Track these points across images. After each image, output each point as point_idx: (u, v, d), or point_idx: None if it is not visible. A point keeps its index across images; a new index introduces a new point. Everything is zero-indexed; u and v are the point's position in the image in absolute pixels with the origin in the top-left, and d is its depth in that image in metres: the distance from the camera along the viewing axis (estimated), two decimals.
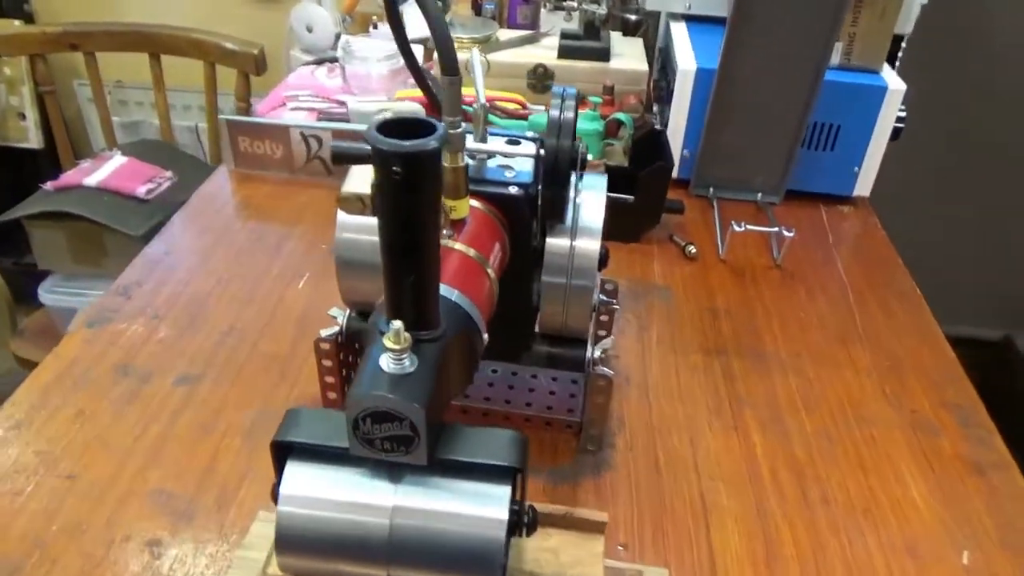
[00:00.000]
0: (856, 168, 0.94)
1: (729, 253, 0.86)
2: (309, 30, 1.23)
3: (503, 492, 0.37)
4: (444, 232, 0.45)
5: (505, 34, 1.13)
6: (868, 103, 0.89)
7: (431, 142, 0.32)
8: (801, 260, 0.87)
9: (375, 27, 1.31)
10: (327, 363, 0.60)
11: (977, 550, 0.57)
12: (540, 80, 1.09)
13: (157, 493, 0.57)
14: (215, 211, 0.92)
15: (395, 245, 0.35)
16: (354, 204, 0.43)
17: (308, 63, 1.22)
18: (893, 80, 0.89)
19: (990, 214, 1.55)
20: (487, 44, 1.10)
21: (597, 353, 0.58)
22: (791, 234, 0.81)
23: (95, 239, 1.33)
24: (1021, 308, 1.58)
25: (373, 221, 0.53)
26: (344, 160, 0.42)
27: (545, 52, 1.09)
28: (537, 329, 0.57)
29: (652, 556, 0.55)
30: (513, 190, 0.49)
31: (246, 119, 0.95)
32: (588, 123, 0.98)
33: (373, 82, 1.11)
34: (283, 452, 0.38)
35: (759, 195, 0.95)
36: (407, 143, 0.32)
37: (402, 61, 1.13)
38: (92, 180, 1.33)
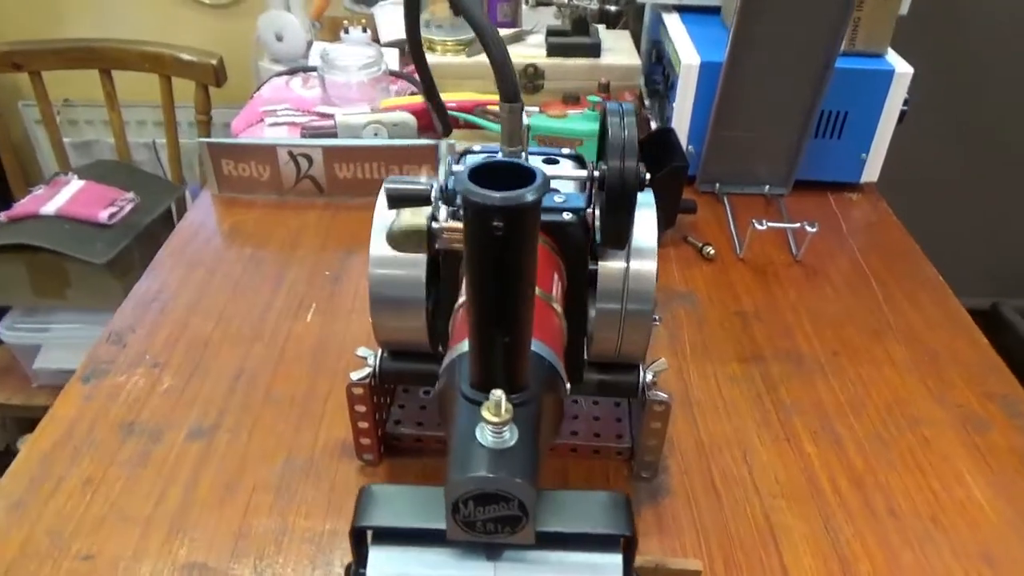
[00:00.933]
0: (864, 154, 0.92)
1: (747, 251, 0.84)
2: (279, 39, 1.17)
3: (614, 561, 0.34)
4: None
5: None
6: (876, 88, 0.87)
7: (531, 193, 0.28)
8: (820, 253, 0.85)
9: (346, 32, 1.26)
10: (360, 408, 0.56)
11: None
12: (531, 80, 1.05)
13: (189, 568, 0.52)
14: (204, 241, 0.86)
15: (489, 304, 0.31)
16: (411, 243, 0.39)
17: (280, 74, 1.16)
18: (899, 63, 0.87)
19: (974, 186, 1.57)
20: (471, 46, 1.05)
21: (649, 376, 0.55)
22: (814, 229, 0.79)
23: (57, 270, 1.25)
24: (1007, 276, 1.60)
25: (405, 256, 0.50)
26: (403, 203, 0.38)
27: (533, 51, 1.05)
28: (586, 357, 0.54)
29: None
30: (568, 216, 0.45)
31: (229, 141, 0.90)
32: (587, 123, 0.94)
33: (354, 91, 1.06)
34: (362, 536, 0.34)
35: (767, 187, 0.93)
36: (505, 195, 0.28)
37: (383, 68, 1.08)
38: (50, 208, 1.25)
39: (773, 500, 0.58)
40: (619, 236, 0.45)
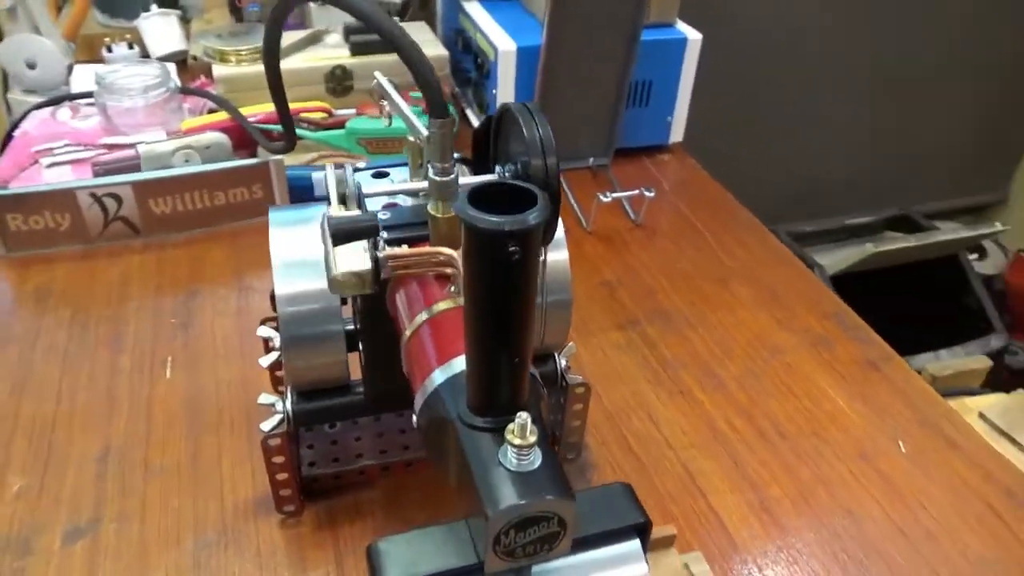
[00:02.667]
0: (669, 118, 1.00)
1: (593, 224, 0.88)
2: (31, 67, 1.01)
3: (634, 548, 0.35)
4: (451, 289, 0.40)
5: (284, 38, 1.02)
6: (673, 56, 0.94)
7: (535, 213, 0.27)
8: (653, 214, 0.91)
9: (109, 50, 1.13)
10: (278, 460, 0.52)
11: (905, 435, 0.65)
12: (339, 83, 1.01)
13: None
14: (6, 314, 0.74)
15: (499, 327, 0.30)
16: (354, 285, 0.37)
17: (41, 105, 1.01)
18: (689, 31, 0.95)
19: (752, 136, 1.74)
20: None
21: (563, 363, 0.56)
22: (651, 195, 0.84)
23: None
24: (781, 209, 1.81)
25: (314, 288, 0.46)
26: (351, 237, 0.35)
27: (336, 52, 1.01)
28: None
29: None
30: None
31: (14, 190, 0.77)
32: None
33: (141, 116, 0.96)
34: None
35: (591, 160, 0.98)
36: (516, 219, 0.27)
37: (171, 87, 0.99)
38: None
39: (685, 451, 0.62)
40: (550, 233, 0.45)
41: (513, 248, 0.27)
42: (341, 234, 0.37)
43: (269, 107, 0.96)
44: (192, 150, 0.86)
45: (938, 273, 1.78)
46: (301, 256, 0.47)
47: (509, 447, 0.31)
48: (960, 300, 1.78)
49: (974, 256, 1.88)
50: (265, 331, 0.58)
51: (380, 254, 0.38)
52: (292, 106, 0.96)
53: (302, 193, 0.88)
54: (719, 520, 0.57)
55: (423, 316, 0.39)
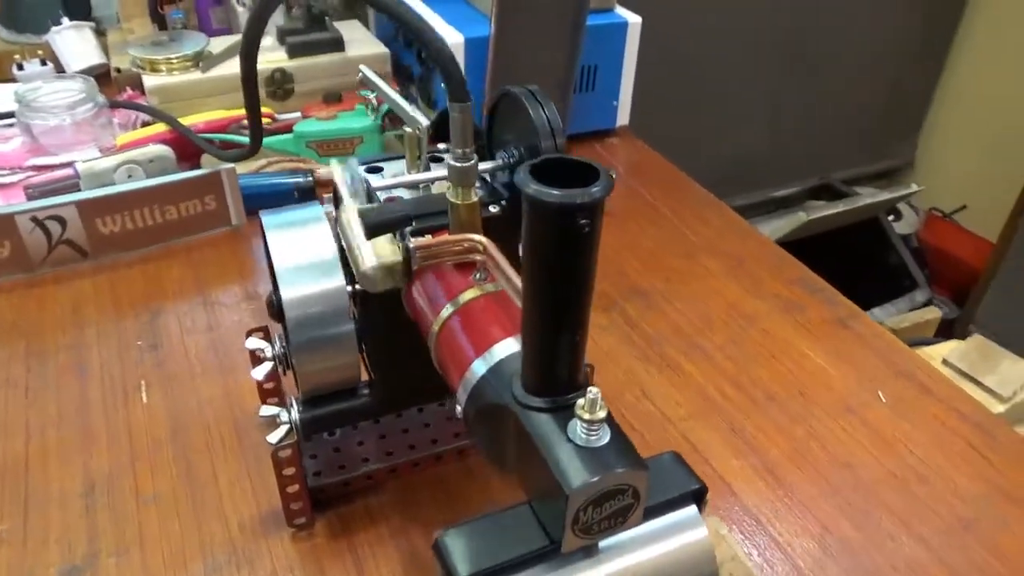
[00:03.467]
0: (615, 102, 1.01)
1: None
2: None
3: (692, 514, 0.35)
4: (476, 276, 0.40)
5: (216, 44, 0.99)
6: (615, 39, 0.96)
7: (601, 186, 0.27)
8: (612, 197, 0.91)
9: (20, 68, 1.06)
10: (289, 472, 0.50)
11: (882, 386, 0.68)
12: (279, 86, 0.98)
13: None
14: None
15: (563, 306, 0.30)
16: (386, 278, 0.36)
17: None
18: (629, 15, 0.97)
19: (694, 113, 1.78)
20: (206, 59, 0.95)
21: None
22: (614, 177, 0.85)
23: None
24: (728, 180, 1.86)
25: (321, 289, 0.45)
26: (386, 229, 0.34)
27: (272, 55, 0.98)
28: None
29: None
30: (495, 209, 0.44)
31: None
32: (363, 120, 0.91)
33: (70, 134, 0.91)
34: None
35: None
36: (587, 191, 0.27)
37: (99, 101, 0.94)
38: None
39: (683, 422, 0.64)
40: None
41: (584, 221, 0.27)
42: (375, 227, 0.36)
43: (208, 116, 0.93)
44: (135, 165, 0.82)
45: (861, 237, 1.88)
46: (304, 258, 0.45)
47: (579, 423, 0.30)
48: (883, 260, 1.87)
49: (891, 217, 1.98)
50: (255, 343, 0.56)
51: (411, 244, 0.37)
52: (233, 113, 0.94)
53: (256, 202, 0.85)
54: (727, 485, 0.58)
55: (449, 308, 0.39)
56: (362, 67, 0.52)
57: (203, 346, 0.69)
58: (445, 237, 0.38)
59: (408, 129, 0.45)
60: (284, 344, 0.55)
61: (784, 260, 0.83)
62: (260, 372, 0.55)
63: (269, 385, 0.61)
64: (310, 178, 0.87)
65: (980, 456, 0.61)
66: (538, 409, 0.32)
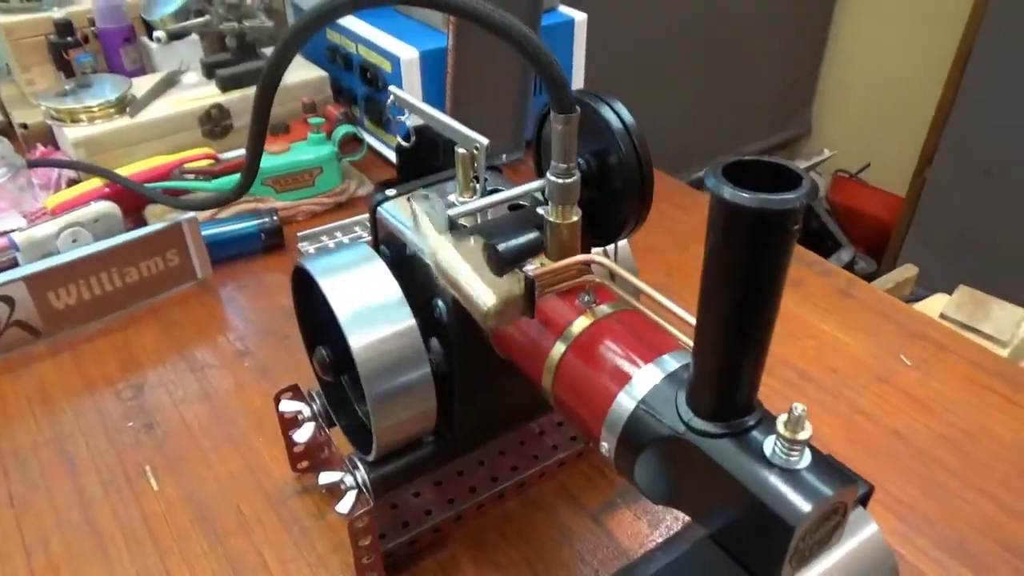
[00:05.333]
0: None
1: None
2: None
3: (862, 514, 0.34)
4: (585, 298, 0.36)
5: (139, 85, 0.90)
6: (563, 37, 0.94)
7: (805, 190, 0.25)
8: None
9: None
10: (365, 542, 0.46)
11: (901, 349, 0.69)
12: (217, 123, 0.91)
13: None
14: None
15: (757, 319, 0.27)
16: (508, 313, 0.33)
17: None
18: (574, 13, 0.95)
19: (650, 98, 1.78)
20: (132, 104, 0.87)
21: None
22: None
23: None
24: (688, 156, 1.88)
25: (395, 330, 0.41)
26: (521, 258, 0.30)
27: (203, 91, 0.91)
28: None
29: None
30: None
31: None
32: (320, 149, 0.86)
33: None
34: None
35: (503, 156, 0.96)
36: (799, 194, 0.24)
37: (19, 163, 0.84)
38: None
39: None
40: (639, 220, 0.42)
41: (797, 227, 0.25)
42: (512, 259, 0.32)
43: (145, 164, 0.85)
44: (79, 227, 0.73)
45: None
46: (366, 302, 0.41)
47: (778, 443, 0.28)
48: (805, 226, 1.95)
49: None
50: (292, 405, 0.51)
51: (531, 273, 0.33)
52: (174, 157, 0.86)
53: (219, 251, 0.79)
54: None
55: (561, 346, 0.36)
56: (392, 88, 0.48)
57: (204, 417, 0.62)
58: (563, 262, 0.35)
59: (462, 150, 0.42)
60: (324, 401, 0.50)
61: None
62: (303, 435, 0.50)
63: (299, 449, 0.56)
64: (275, 218, 0.81)
65: (1011, 403, 0.63)
66: (719, 436, 0.29)
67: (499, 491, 0.54)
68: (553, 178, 0.35)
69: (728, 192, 0.25)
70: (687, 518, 0.54)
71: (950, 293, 1.04)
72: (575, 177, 0.35)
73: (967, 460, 0.59)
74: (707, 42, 1.89)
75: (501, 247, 0.32)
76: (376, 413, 0.41)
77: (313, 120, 0.87)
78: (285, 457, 0.57)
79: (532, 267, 0.34)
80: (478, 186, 0.42)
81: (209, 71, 0.93)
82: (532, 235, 0.34)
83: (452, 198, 0.44)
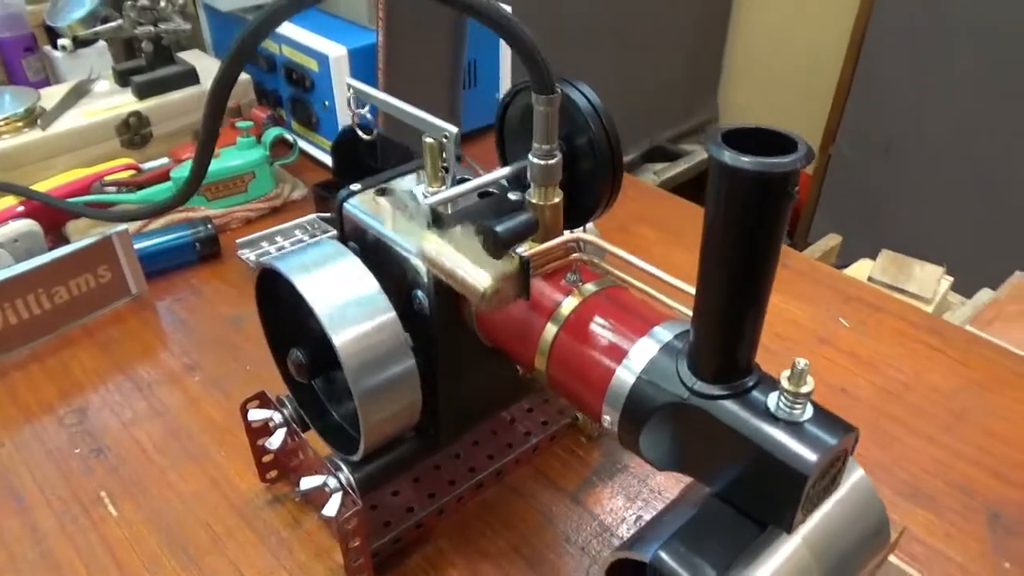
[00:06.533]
0: (497, 95, 1.00)
1: None
2: None
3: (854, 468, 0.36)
4: (571, 278, 0.37)
5: (48, 96, 0.85)
6: (489, 32, 0.94)
7: (801, 153, 0.26)
8: None
9: None
10: (355, 543, 0.45)
11: (840, 313, 0.72)
12: (136, 132, 0.87)
13: None
14: None
15: (757, 281, 0.29)
16: (504, 294, 0.33)
17: None
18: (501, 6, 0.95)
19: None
20: (42, 116, 0.82)
21: None
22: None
23: None
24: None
25: (379, 322, 0.40)
26: (516, 240, 0.31)
27: (118, 99, 0.87)
28: None
29: None
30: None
31: None
32: (251, 152, 0.83)
33: None
34: None
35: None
36: (797, 157, 0.25)
37: None
38: None
39: None
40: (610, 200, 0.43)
41: (796, 188, 0.26)
42: (508, 241, 0.32)
43: (62, 179, 0.81)
44: (0, 248, 0.69)
45: (696, 190, 2.01)
46: (344, 297, 0.40)
47: (781, 398, 0.29)
48: None
49: None
50: (260, 413, 0.49)
51: (524, 253, 0.33)
52: (94, 170, 0.82)
53: (153, 263, 0.75)
54: None
55: (553, 327, 0.36)
56: (350, 80, 0.47)
57: (158, 435, 0.60)
58: (552, 243, 0.35)
59: (429, 139, 0.41)
60: (295, 406, 0.49)
61: (700, 216, 0.87)
62: (276, 440, 0.48)
63: (268, 458, 0.54)
64: (210, 227, 0.78)
65: (942, 354, 0.68)
66: (724, 397, 0.30)
67: (478, 481, 0.54)
68: (536, 160, 0.35)
69: (729, 156, 0.25)
70: (663, 489, 0.55)
71: (870, 259, 1.11)
72: (557, 158, 0.35)
73: (911, 409, 0.62)
74: (614, 30, 1.93)
75: (499, 229, 0.32)
76: (364, 409, 0.40)
77: (240, 124, 0.84)
78: (251, 469, 0.55)
79: (521, 249, 0.34)
80: (447, 176, 0.42)
81: (123, 78, 0.89)
82: (525, 216, 0.34)
83: (419, 189, 0.43)
